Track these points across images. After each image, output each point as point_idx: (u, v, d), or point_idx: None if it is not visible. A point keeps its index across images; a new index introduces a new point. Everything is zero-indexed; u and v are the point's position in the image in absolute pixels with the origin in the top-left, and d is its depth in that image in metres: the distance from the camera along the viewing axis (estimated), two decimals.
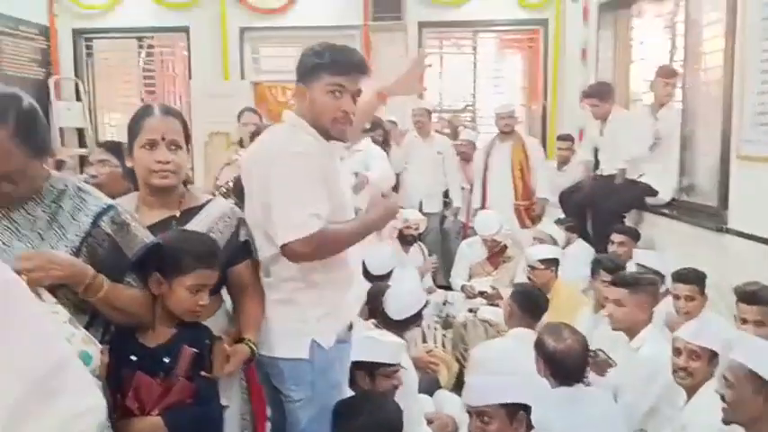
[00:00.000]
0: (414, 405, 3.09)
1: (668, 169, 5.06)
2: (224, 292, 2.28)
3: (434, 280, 6.15)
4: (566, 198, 6.05)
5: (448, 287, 6.02)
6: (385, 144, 6.04)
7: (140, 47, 8.25)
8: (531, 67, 7.87)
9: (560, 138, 6.52)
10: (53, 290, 1.65)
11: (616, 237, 4.83)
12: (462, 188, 6.77)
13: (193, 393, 1.89)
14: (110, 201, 1.83)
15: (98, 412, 1.22)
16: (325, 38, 7.89)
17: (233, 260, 2.17)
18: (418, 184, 6.51)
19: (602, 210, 5.39)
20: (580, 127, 6.80)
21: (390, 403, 2.61)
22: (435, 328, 4.82)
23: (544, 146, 7.33)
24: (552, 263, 4.68)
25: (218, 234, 2.12)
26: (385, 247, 4.81)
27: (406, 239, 5.57)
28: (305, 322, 2.26)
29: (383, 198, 2.44)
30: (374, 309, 3.67)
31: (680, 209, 4.94)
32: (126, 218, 1.82)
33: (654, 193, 5.15)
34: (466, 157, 6.74)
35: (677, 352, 2.72)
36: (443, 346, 4.80)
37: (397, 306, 3.50)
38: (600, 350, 3.14)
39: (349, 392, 2.56)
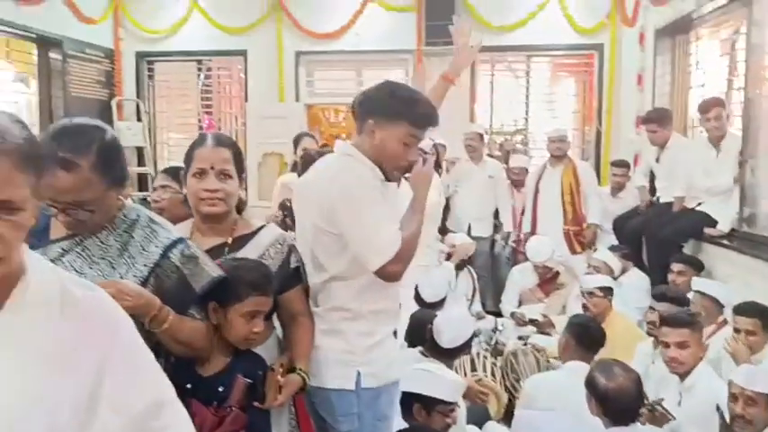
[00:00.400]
0: None
1: (728, 199, 4.93)
2: (274, 318, 2.30)
3: (483, 306, 6.12)
4: (620, 225, 5.95)
5: (497, 313, 5.96)
6: (436, 166, 6.03)
7: (199, 69, 8.47)
8: (585, 92, 7.79)
9: (615, 164, 6.41)
10: None
11: (676, 266, 4.71)
12: (513, 213, 6.71)
13: (246, 424, 1.91)
14: (180, 234, 1.86)
15: None
16: (378, 62, 8.09)
17: (284, 287, 2.19)
18: (468, 207, 6.47)
19: (658, 238, 5.26)
20: (635, 152, 6.69)
21: None
22: (485, 357, 4.75)
23: (598, 171, 7.24)
24: (609, 291, 4.59)
25: (270, 260, 2.14)
26: (439, 273, 4.80)
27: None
28: (352, 353, 2.26)
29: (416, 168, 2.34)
30: (417, 336, 3.65)
31: (740, 240, 4.80)
32: (195, 251, 1.85)
33: (713, 222, 5.01)
34: (517, 183, 6.69)
35: (733, 398, 2.63)
36: (493, 375, 4.73)
37: (449, 335, 3.46)
38: (659, 402, 3.00)
39: (396, 426, 2.55)
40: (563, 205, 6.18)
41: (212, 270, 1.88)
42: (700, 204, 5.16)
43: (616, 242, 5.88)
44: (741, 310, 3.49)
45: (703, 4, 5.38)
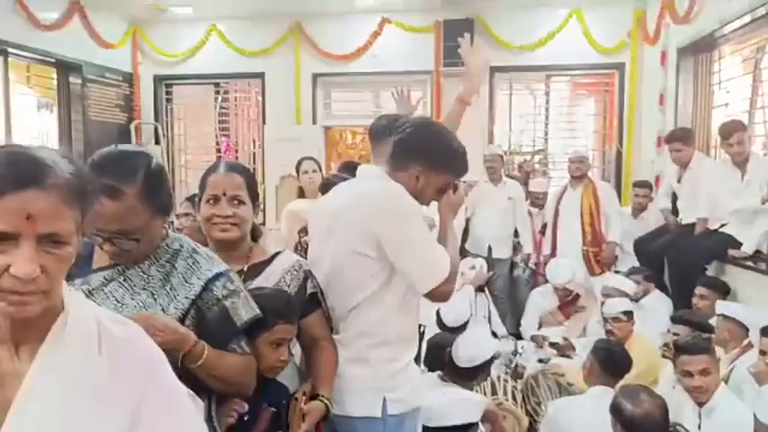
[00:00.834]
0: None
1: (753, 220, 4.82)
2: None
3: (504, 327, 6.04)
4: (642, 246, 5.85)
5: (517, 335, 5.88)
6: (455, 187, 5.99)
7: (217, 92, 8.53)
8: (606, 111, 7.72)
9: (638, 185, 6.32)
10: None
11: (699, 289, 4.62)
12: (533, 234, 6.64)
13: None
14: (223, 266, 1.81)
15: None
16: (396, 83, 8.09)
17: (303, 312, 2.16)
18: (488, 229, 6.41)
19: (681, 261, 5.16)
20: (657, 173, 6.60)
21: None
22: (505, 380, 4.67)
23: (618, 192, 7.15)
24: (630, 315, 4.51)
25: (286, 287, 2.13)
26: (460, 297, 4.73)
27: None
28: (377, 380, 2.24)
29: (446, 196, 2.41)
30: (435, 360, 3.58)
31: (765, 261, 4.68)
32: (237, 285, 1.81)
33: (737, 244, 4.90)
34: (537, 205, 6.63)
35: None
36: (513, 398, 4.64)
37: (467, 354, 3.40)
38: (680, 425, 2.95)
39: None
40: (582, 226, 6.13)
41: (253, 305, 1.84)
42: (723, 226, 5.05)
43: (637, 263, 5.79)
44: (764, 331, 3.41)
45: (726, 23, 5.30)
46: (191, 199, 3.15)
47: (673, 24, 6.23)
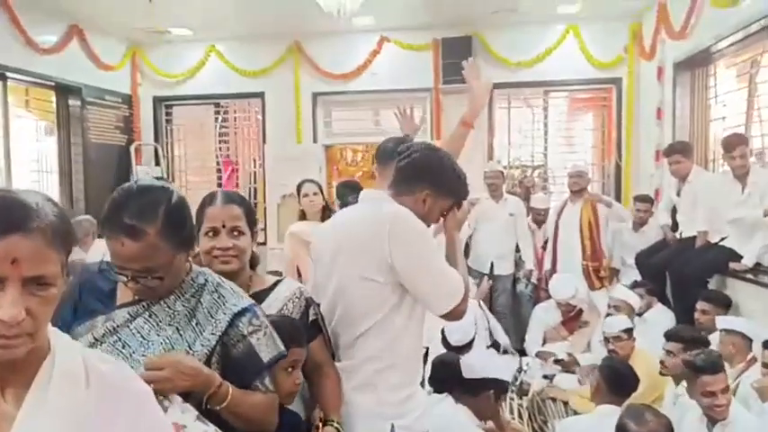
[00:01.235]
0: None
1: (753, 233, 4.84)
2: None
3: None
4: (643, 260, 5.87)
5: (521, 351, 5.87)
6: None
7: (217, 112, 8.55)
8: (604, 126, 7.77)
9: (639, 199, 6.34)
10: None
11: (700, 304, 4.63)
12: (535, 250, 6.65)
13: None
14: (249, 300, 1.80)
15: None
16: (396, 101, 8.15)
17: (307, 339, 2.15)
18: (490, 245, 6.43)
19: (683, 274, 5.17)
20: (656, 187, 6.63)
21: None
22: (511, 398, 4.67)
23: None
24: (631, 332, 4.51)
25: (288, 314, 2.13)
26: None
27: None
28: (385, 406, 2.23)
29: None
30: (440, 381, 3.56)
31: (765, 274, 4.70)
32: (263, 320, 1.80)
33: (737, 257, 4.91)
34: (539, 222, 6.65)
35: None
36: (520, 416, 4.64)
37: (471, 365, 3.39)
38: None
39: None
40: (582, 240, 6.15)
41: (278, 341, 1.83)
42: (723, 239, 5.07)
43: (639, 277, 5.79)
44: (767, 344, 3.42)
45: (722, 38, 5.35)
46: None
47: (668, 40, 6.28)
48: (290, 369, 1.98)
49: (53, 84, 7.08)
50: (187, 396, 1.59)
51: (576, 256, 6.15)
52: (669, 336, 3.88)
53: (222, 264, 2.07)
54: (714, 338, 4.15)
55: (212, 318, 1.71)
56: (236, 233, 2.09)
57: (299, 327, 2.04)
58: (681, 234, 5.66)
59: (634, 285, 5.54)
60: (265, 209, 7.95)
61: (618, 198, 7.40)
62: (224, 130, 8.64)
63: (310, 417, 2.20)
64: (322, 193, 4.75)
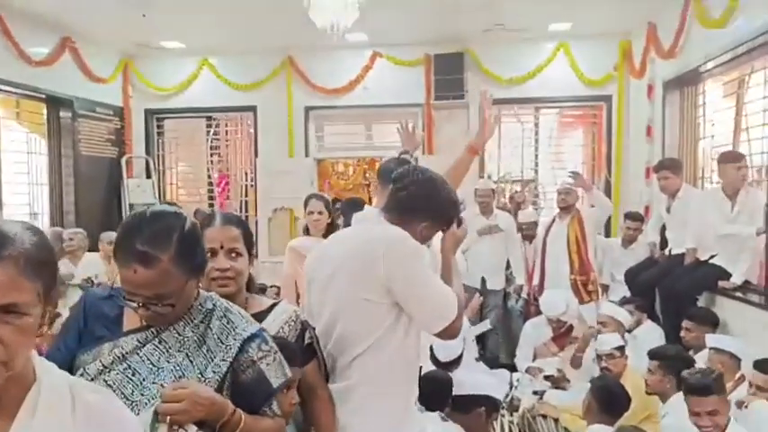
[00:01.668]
0: None
1: (741, 251, 4.88)
2: None
3: (497, 359, 6.04)
4: (632, 277, 5.90)
5: (512, 367, 5.88)
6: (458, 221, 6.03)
7: (209, 125, 8.55)
8: (594, 142, 7.83)
9: (629, 216, 6.38)
10: None
11: (686, 323, 4.67)
12: (525, 265, 6.68)
13: None
14: (257, 325, 1.80)
15: None
16: (388, 116, 8.16)
17: (301, 363, 2.15)
18: (481, 261, 6.44)
19: (672, 291, 5.21)
20: (646, 203, 6.68)
21: None
22: (502, 415, 4.67)
23: (608, 222, 7.24)
24: (623, 349, 4.53)
25: (283, 337, 2.13)
26: None
27: None
28: (381, 428, 2.23)
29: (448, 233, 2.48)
30: (429, 398, 3.55)
31: (753, 292, 4.75)
32: (272, 345, 1.80)
33: (726, 275, 4.95)
34: (528, 237, 6.68)
35: None
36: None
37: (462, 383, 3.40)
38: None
39: None
40: (569, 255, 6.17)
41: (286, 366, 1.83)
42: (713, 257, 5.11)
43: (628, 293, 5.83)
44: (758, 365, 3.46)
45: (710, 59, 5.41)
46: None
47: (658, 58, 6.35)
48: (285, 390, 1.95)
49: (44, 96, 7.07)
50: (201, 425, 1.59)
51: (564, 271, 6.18)
52: (652, 355, 3.89)
53: (220, 287, 2.06)
54: (701, 357, 4.18)
55: (222, 344, 1.70)
56: (233, 255, 2.08)
57: (292, 346, 2.04)
58: (670, 251, 5.69)
59: (623, 301, 5.58)
60: (257, 222, 7.95)
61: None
62: (216, 144, 8.64)
63: None
64: (329, 210, 4.62)
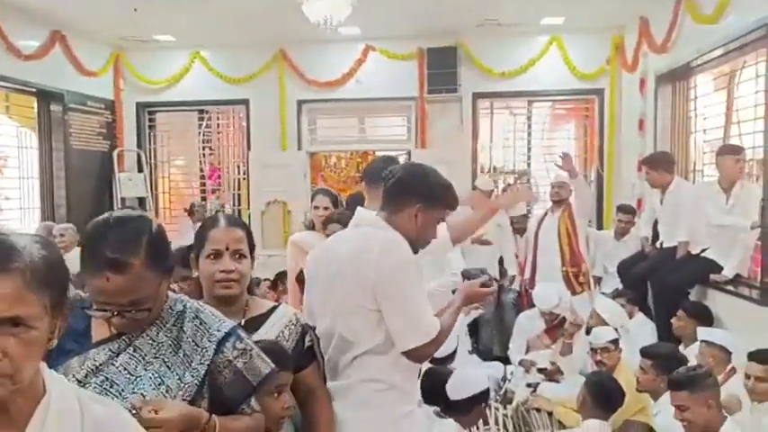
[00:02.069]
0: None
1: (733, 245, 4.92)
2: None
3: (491, 350, 6.07)
4: (625, 270, 5.93)
5: (504, 359, 5.92)
6: None
7: (201, 119, 8.52)
8: (587, 135, 7.87)
9: (621, 209, 6.41)
10: None
11: (679, 313, 4.70)
12: (517, 258, 6.72)
13: None
14: (230, 323, 1.77)
15: None
16: (381, 109, 8.15)
17: (300, 365, 2.17)
18: (479, 255, 6.45)
19: (665, 285, 5.25)
20: (638, 196, 6.72)
21: None
22: (496, 408, 4.71)
23: (600, 215, 7.27)
24: (617, 342, 4.56)
25: (285, 342, 2.14)
26: None
27: None
28: (380, 424, 2.24)
29: (469, 285, 2.46)
30: (430, 393, 3.58)
31: (744, 286, 4.80)
32: (247, 343, 1.78)
33: (718, 268, 5.00)
34: (519, 231, 6.72)
35: None
36: (505, 427, 4.68)
37: (458, 386, 3.41)
38: None
39: None
40: (560, 247, 6.20)
41: (265, 361, 1.81)
42: (704, 250, 5.15)
43: (620, 285, 5.86)
44: (753, 356, 3.47)
45: (703, 53, 5.44)
46: (178, 262, 3.03)
47: (650, 53, 6.38)
48: (276, 394, 1.97)
49: (35, 90, 7.02)
50: None
51: (555, 264, 6.21)
52: (645, 353, 3.90)
53: (224, 289, 2.07)
54: (692, 350, 4.22)
55: (198, 346, 1.68)
56: (238, 256, 2.08)
57: (284, 350, 2.04)
58: (662, 244, 5.73)
59: (616, 294, 5.61)
60: (249, 216, 7.94)
61: (600, 207, 7.51)
62: (208, 137, 8.61)
63: None
64: (335, 207, 4.48)
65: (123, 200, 7.92)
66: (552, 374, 5.21)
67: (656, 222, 5.94)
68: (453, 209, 2.42)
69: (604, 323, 4.97)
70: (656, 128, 6.46)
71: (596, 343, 4.47)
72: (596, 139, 7.63)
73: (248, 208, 8.08)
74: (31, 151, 7.32)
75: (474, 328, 6.09)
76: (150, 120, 8.41)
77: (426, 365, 4.06)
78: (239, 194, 8.50)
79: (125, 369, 1.62)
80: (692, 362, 3.97)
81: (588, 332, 4.85)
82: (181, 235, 7.48)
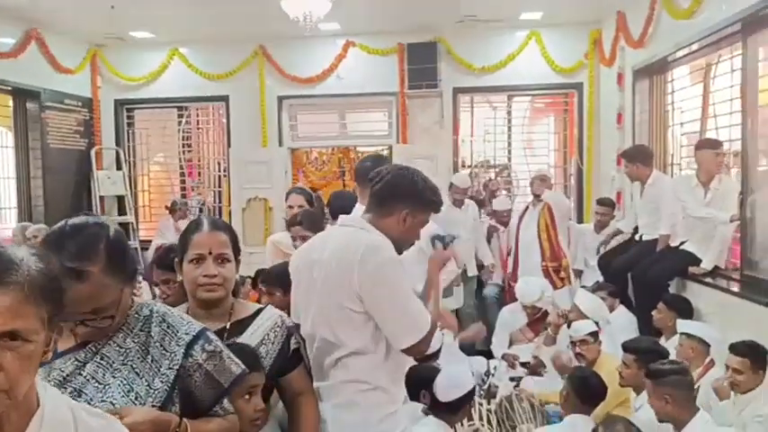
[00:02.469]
0: None
1: (711, 238, 4.98)
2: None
3: (473, 345, 6.12)
4: (605, 262, 5.99)
5: (487, 352, 5.95)
6: None
7: (180, 115, 8.45)
8: (567, 129, 7.93)
9: (599, 202, 6.49)
10: None
11: (660, 305, 4.76)
12: (500, 253, 6.77)
13: None
14: (198, 325, 1.76)
15: None
16: (362, 104, 8.14)
17: (286, 368, 2.18)
18: (459, 249, 6.48)
19: (645, 278, 5.30)
20: (617, 189, 6.79)
21: None
22: (480, 403, 4.73)
23: (581, 207, 7.33)
24: (596, 335, 4.61)
25: (270, 345, 2.13)
26: None
27: None
28: (367, 424, 2.25)
29: (433, 255, 2.52)
30: (416, 391, 3.60)
31: (722, 278, 4.87)
32: (216, 344, 1.76)
33: (697, 261, 5.07)
34: (502, 222, 6.76)
35: None
36: (489, 422, 4.72)
37: (446, 388, 3.43)
38: None
39: None
40: (540, 242, 6.26)
41: (236, 362, 1.81)
42: (683, 243, 5.22)
43: (601, 278, 5.92)
44: (733, 347, 3.51)
45: (680, 47, 5.50)
46: (162, 265, 3.00)
47: (628, 47, 6.44)
48: (247, 396, 1.96)
49: (10, 88, 6.94)
50: None
51: (535, 258, 6.27)
52: (627, 348, 3.93)
53: (208, 292, 2.06)
54: (672, 342, 4.28)
55: (166, 351, 1.66)
56: (221, 260, 2.06)
57: (252, 352, 2.02)
58: (641, 237, 5.79)
59: (597, 287, 5.65)
60: (230, 213, 7.91)
61: (579, 200, 7.58)
62: (188, 134, 8.55)
63: None
64: (310, 204, 4.50)
65: (102, 198, 7.86)
66: (535, 368, 5.25)
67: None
68: (438, 211, 2.44)
69: (585, 316, 5.02)
70: (634, 121, 6.52)
71: (576, 336, 4.51)
72: (575, 132, 7.68)
73: (229, 205, 8.04)
74: (8, 150, 7.25)
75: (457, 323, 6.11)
76: (129, 117, 8.34)
77: (412, 362, 4.11)
78: (220, 191, 8.46)
79: (93, 378, 1.60)
80: (673, 354, 4.05)
81: (569, 326, 4.89)
82: (162, 233, 7.46)
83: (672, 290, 5.22)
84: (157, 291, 2.95)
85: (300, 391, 2.21)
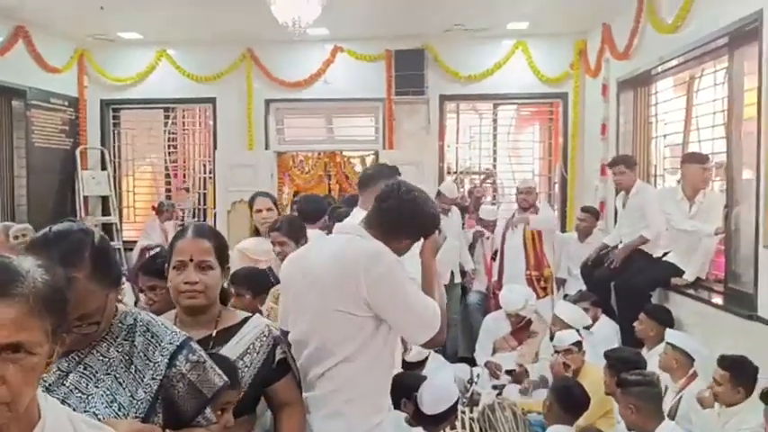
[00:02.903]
0: None
1: (694, 249, 5.04)
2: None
3: (456, 352, 6.14)
4: (588, 272, 6.03)
5: (470, 360, 5.98)
6: None
7: (167, 117, 8.42)
8: (552, 138, 8.00)
9: (584, 210, 6.54)
10: None
11: (641, 315, 4.78)
12: (485, 260, 6.80)
13: None
14: (182, 335, 1.74)
15: None
16: (349, 109, 8.15)
17: (272, 378, 2.17)
18: (447, 257, 6.50)
19: (628, 288, 5.36)
20: (601, 199, 6.85)
21: None
22: (463, 411, 4.75)
23: (564, 217, 7.39)
24: (580, 344, 4.64)
25: (255, 354, 2.13)
26: None
27: None
28: None
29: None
30: (398, 400, 3.62)
31: (704, 290, 4.93)
32: (200, 354, 1.75)
33: (679, 272, 5.12)
34: (491, 228, 6.80)
35: None
36: (471, 430, 4.74)
37: (431, 400, 3.45)
38: None
39: None
40: (525, 251, 6.30)
41: (219, 373, 1.80)
42: (666, 254, 5.27)
43: (584, 287, 5.96)
44: (721, 359, 3.55)
45: (664, 60, 5.56)
46: (149, 271, 2.98)
47: (613, 59, 6.50)
48: (219, 411, 1.91)
49: None
50: None
51: (520, 267, 6.31)
52: (609, 357, 3.98)
53: (188, 299, 2.05)
54: (655, 352, 4.32)
55: (150, 361, 1.65)
56: (203, 268, 2.05)
57: (232, 366, 2.00)
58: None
59: (579, 297, 5.68)
60: (215, 215, 7.89)
61: (563, 208, 7.63)
62: (174, 135, 8.52)
63: None
64: (277, 208, 4.42)
65: (86, 198, 7.82)
66: (519, 377, 5.28)
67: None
68: (440, 232, 2.54)
69: (567, 326, 5.06)
70: (618, 132, 6.58)
71: (560, 345, 4.55)
72: (560, 141, 7.75)
73: (214, 207, 8.02)
74: None
75: None
76: (115, 117, 8.29)
77: (398, 369, 4.12)
78: (205, 193, 8.44)
79: (76, 388, 1.59)
80: (654, 363, 4.10)
81: (552, 338, 4.93)
82: (147, 234, 7.44)
83: (654, 300, 5.27)
84: (143, 297, 2.91)
85: (287, 402, 2.21)
